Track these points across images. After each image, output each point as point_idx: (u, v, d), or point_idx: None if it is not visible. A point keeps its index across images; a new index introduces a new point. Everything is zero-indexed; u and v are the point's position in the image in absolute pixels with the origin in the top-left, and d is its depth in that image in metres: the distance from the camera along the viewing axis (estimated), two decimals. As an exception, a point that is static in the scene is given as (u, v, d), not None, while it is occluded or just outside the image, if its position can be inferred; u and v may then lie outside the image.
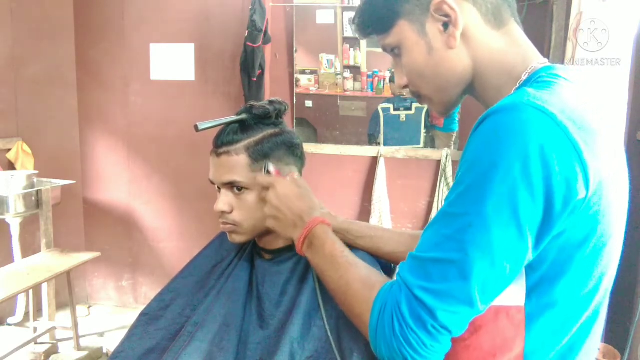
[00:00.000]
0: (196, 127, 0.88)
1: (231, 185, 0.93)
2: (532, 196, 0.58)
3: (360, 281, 0.72)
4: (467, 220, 0.61)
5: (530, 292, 0.66)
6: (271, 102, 0.95)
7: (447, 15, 0.70)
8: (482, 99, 0.76)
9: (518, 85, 0.70)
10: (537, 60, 0.72)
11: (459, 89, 0.75)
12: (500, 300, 0.65)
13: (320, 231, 0.81)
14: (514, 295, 0.66)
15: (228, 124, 0.94)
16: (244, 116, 0.93)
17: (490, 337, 0.69)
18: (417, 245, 0.67)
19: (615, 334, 2.17)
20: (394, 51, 0.77)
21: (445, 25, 0.71)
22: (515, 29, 0.74)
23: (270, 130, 0.95)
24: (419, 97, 0.80)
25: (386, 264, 1.04)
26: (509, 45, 0.73)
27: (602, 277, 0.68)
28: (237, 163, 0.92)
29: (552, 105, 0.60)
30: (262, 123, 0.95)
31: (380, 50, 0.82)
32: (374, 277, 0.73)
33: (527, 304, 0.67)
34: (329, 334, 0.83)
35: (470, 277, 0.60)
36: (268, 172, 0.92)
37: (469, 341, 0.69)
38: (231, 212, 0.94)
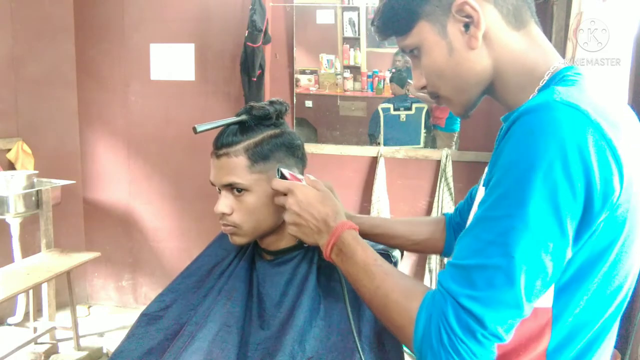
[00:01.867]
0: (194, 129, 0.88)
1: (231, 187, 0.93)
2: (574, 195, 0.58)
3: (399, 292, 0.70)
4: (510, 223, 0.60)
5: (558, 294, 0.66)
6: (271, 103, 0.95)
7: (468, 16, 0.70)
8: (503, 99, 0.77)
9: (541, 84, 0.71)
10: (558, 60, 0.72)
11: (479, 89, 0.75)
12: None
13: (350, 238, 0.79)
14: (543, 297, 0.66)
15: (227, 126, 0.93)
16: (243, 117, 0.92)
17: (516, 336, 0.69)
18: (455, 253, 0.66)
19: (617, 335, 2.17)
20: (413, 52, 0.77)
21: (466, 26, 0.71)
22: (535, 30, 0.74)
23: (270, 132, 0.94)
24: (437, 97, 0.79)
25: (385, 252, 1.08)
26: (530, 46, 0.73)
27: (627, 276, 0.68)
28: (237, 164, 0.91)
29: (584, 102, 0.61)
30: (262, 124, 0.94)
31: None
32: (412, 286, 0.71)
33: (555, 306, 0.67)
34: (355, 335, 0.82)
35: (517, 281, 0.59)
36: (282, 176, 0.89)
37: None
38: (231, 213, 0.93)
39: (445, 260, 2.71)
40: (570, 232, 0.60)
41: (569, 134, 0.58)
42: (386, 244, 1.09)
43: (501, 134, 0.74)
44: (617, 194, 0.60)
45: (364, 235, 1.02)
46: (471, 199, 1.00)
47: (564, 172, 0.58)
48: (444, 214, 1.12)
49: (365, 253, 0.77)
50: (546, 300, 0.67)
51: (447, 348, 0.61)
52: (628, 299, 0.72)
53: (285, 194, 0.86)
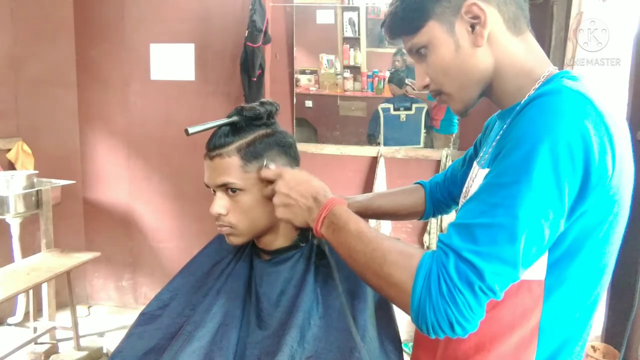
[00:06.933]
0: (186, 131, 0.88)
1: (225, 187, 0.93)
2: (574, 168, 0.64)
3: (396, 251, 0.72)
4: (516, 187, 0.64)
5: (551, 267, 0.72)
6: (262, 104, 0.96)
7: (476, 17, 0.76)
8: (500, 99, 0.82)
9: (537, 85, 0.76)
10: (551, 66, 0.79)
11: (480, 86, 0.80)
12: (523, 275, 0.68)
13: (341, 210, 0.81)
14: (536, 270, 0.72)
15: (219, 127, 0.94)
16: (234, 118, 0.93)
17: (511, 309, 0.75)
18: (459, 215, 0.70)
19: (615, 335, 2.17)
20: (420, 51, 0.81)
21: (472, 26, 0.77)
22: (531, 38, 0.81)
23: (261, 131, 0.95)
24: (439, 94, 0.83)
25: None
26: (527, 51, 0.79)
27: (611, 255, 0.74)
28: (230, 165, 0.92)
29: (590, 93, 0.67)
30: (253, 124, 0.95)
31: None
32: (409, 247, 0.74)
33: (547, 279, 0.73)
34: (354, 331, 0.83)
35: (518, 240, 0.64)
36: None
37: (490, 313, 0.72)
38: (227, 214, 0.94)
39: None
40: (567, 204, 0.65)
41: (575, 115, 0.64)
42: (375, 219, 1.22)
43: (495, 128, 0.82)
44: (609, 174, 0.66)
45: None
46: (452, 175, 1.11)
47: (567, 148, 0.63)
48: (419, 183, 1.21)
49: (358, 223, 0.79)
50: (539, 273, 0.72)
51: (446, 298, 0.64)
52: (609, 278, 0.77)
53: (273, 182, 0.89)
